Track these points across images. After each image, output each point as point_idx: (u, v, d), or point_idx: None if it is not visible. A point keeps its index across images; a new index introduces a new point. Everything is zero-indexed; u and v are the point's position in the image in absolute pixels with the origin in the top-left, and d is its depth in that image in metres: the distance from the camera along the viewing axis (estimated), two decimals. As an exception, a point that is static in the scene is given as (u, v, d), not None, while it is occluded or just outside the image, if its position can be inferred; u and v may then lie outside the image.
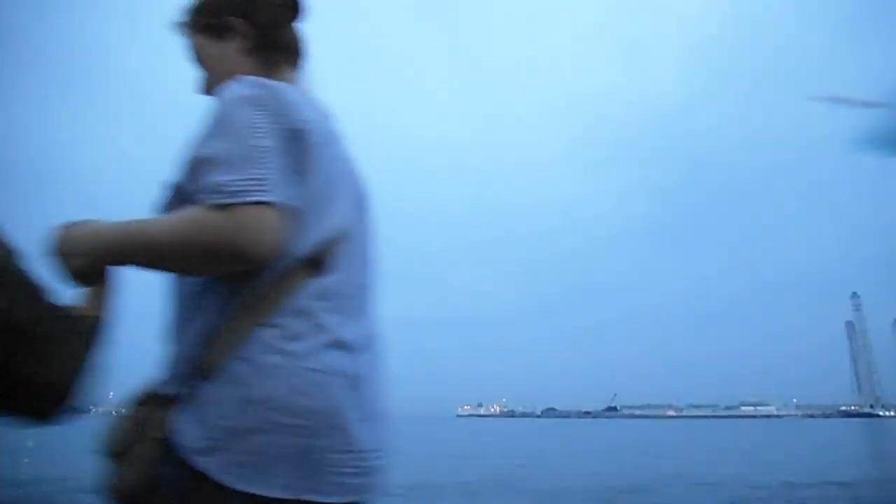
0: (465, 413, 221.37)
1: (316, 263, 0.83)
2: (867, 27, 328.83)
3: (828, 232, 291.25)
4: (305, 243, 0.82)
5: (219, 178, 0.78)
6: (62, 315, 0.69)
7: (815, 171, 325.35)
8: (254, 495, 0.75)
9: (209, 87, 1.01)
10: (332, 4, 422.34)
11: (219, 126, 0.83)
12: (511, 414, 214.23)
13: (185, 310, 0.87)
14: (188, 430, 0.77)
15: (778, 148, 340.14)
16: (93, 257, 0.84)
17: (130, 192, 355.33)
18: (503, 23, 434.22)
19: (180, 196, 0.85)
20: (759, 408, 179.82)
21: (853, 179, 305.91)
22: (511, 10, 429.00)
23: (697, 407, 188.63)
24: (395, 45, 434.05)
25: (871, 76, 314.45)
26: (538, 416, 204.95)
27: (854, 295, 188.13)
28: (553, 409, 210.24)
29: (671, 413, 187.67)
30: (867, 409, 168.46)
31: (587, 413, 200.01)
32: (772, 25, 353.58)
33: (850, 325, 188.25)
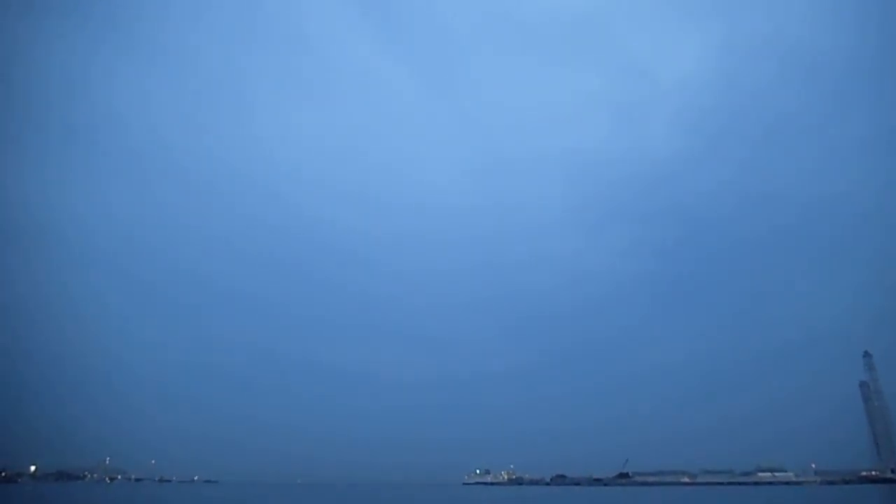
0: (472, 481, 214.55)
1: None
2: (861, 86, 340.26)
3: (837, 291, 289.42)
4: None
5: None
6: None
7: (822, 231, 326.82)
8: None
9: None
10: (338, 68, 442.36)
11: None
12: (519, 481, 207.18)
13: None
14: None
15: (782, 207, 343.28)
16: None
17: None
18: (500, 84, 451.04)
19: None
20: (776, 474, 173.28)
21: (861, 237, 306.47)
22: (506, 73, 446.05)
23: (712, 473, 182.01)
24: (397, 111, 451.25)
25: (860, 140, 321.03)
26: (547, 484, 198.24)
27: (866, 354, 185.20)
28: (563, 475, 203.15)
29: (685, 480, 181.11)
30: (888, 475, 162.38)
31: (598, 480, 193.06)
32: (766, 88, 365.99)
33: (863, 385, 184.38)
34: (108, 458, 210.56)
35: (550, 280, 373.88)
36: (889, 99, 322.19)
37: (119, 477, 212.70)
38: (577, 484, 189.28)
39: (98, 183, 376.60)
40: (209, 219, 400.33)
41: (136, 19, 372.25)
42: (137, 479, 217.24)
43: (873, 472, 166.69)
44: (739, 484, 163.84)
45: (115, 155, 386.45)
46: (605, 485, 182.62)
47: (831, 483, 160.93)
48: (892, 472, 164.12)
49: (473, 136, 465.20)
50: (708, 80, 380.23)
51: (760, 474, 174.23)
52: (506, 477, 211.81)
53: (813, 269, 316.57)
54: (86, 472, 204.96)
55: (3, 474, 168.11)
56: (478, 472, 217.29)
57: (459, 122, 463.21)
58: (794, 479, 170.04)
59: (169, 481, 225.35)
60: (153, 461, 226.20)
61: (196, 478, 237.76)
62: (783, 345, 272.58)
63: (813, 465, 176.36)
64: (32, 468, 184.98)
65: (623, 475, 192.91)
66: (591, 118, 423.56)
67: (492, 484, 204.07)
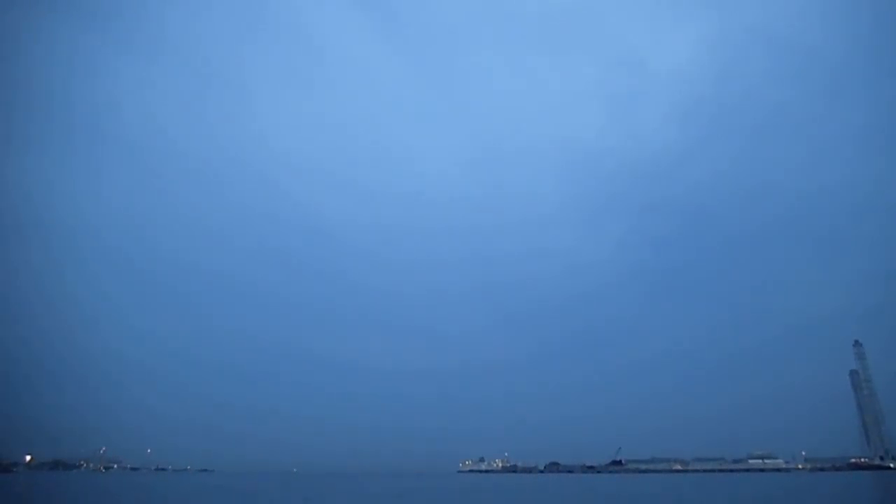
0: (467, 469, 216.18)
1: None
2: (855, 79, 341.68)
3: (831, 282, 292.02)
4: None
5: None
6: None
7: (816, 222, 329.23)
8: None
9: None
10: (335, 59, 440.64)
11: None
12: (513, 469, 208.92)
13: None
14: None
15: (776, 199, 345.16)
16: None
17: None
18: (494, 75, 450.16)
19: None
20: (767, 461, 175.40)
21: (855, 229, 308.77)
22: (500, 63, 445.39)
23: (704, 461, 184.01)
24: (392, 104, 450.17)
25: (855, 132, 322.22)
26: (541, 472, 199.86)
27: (857, 343, 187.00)
28: (556, 463, 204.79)
29: (678, 467, 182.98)
30: (877, 461, 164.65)
31: (591, 468, 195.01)
32: (760, 80, 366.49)
33: (854, 374, 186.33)
34: (103, 448, 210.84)
35: (545, 271, 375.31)
36: (882, 91, 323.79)
37: (115, 466, 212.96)
38: (571, 471, 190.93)
39: (97, 173, 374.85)
40: (206, 209, 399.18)
41: (136, 12, 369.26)
42: (133, 469, 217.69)
43: (862, 459, 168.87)
44: (730, 471, 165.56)
45: (115, 145, 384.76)
46: (598, 472, 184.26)
47: (821, 470, 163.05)
48: (881, 458, 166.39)
49: (468, 127, 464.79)
50: (702, 72, 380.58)
51: (751, 461, 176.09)
52: (500, 465, 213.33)
53: (807, 260, 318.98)
54: (81, 462, 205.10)
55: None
56: (472, 460, 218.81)
57: (454, 112, 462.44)
58: (784, 466, 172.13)
59: (164, 470, 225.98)
60: (149, 450, 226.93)
61: (189, 467, 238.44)
62: (777, 336, 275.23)
63: (803, 453, 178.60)
64: (28, 458, 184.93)
65: (616, 463, 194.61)
66: (585, 109, 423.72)
67: (486, 472, 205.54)
